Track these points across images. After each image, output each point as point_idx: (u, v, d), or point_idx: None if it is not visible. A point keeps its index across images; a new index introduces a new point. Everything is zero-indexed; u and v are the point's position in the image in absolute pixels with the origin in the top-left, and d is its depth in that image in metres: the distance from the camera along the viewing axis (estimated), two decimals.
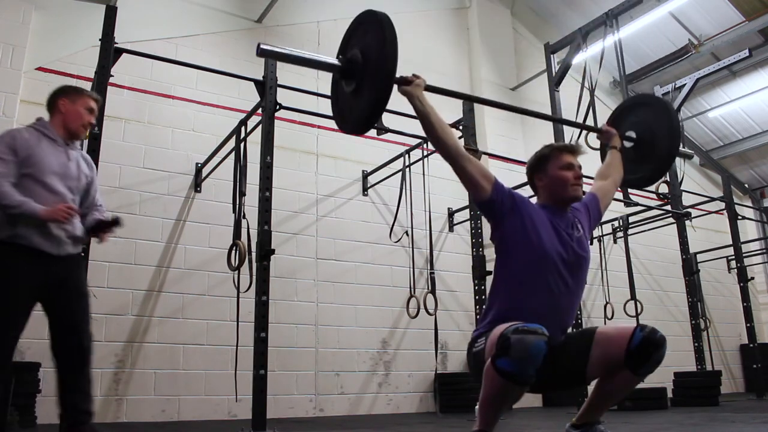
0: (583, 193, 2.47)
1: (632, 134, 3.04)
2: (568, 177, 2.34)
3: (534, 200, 2.45)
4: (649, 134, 3.00)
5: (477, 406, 2.09)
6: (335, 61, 2.34)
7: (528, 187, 2.60)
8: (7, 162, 2.66)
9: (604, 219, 7.15)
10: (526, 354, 1.87)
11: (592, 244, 6.95)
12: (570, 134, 5.35)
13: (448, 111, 6.72)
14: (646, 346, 2.09)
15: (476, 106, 5.54)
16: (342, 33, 2.43)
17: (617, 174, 2.74)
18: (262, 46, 2.24)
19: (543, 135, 5.56)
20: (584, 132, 4.95)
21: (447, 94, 2.69)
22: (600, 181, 2.69)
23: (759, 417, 4.15)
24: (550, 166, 2.38)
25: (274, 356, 4.40)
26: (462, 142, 5.33)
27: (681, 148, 3.12)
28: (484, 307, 2.34)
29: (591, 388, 2.34)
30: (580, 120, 4.83)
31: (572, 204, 2.41)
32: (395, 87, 2.25)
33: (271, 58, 2.56)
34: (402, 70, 2.25)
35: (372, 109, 2.26)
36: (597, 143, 4.93)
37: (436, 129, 2.26)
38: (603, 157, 3.00)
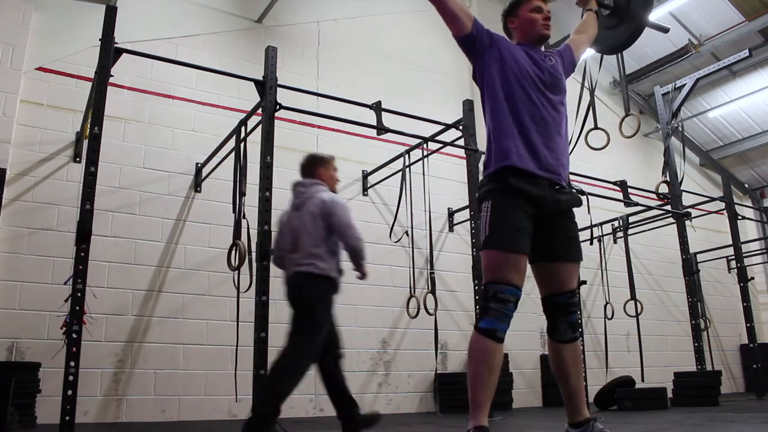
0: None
1: (610, 2, 3.26)
2: (537, 18, 2.54)
3: None
4: (624, 1, 3.26)
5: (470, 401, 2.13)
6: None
7: None
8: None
9: (603, 219, 7.19)
10: (501, 315, 2.15)
11: (591, 244, 6.99)
12: (570, 134, 5.34)
13: (448, 110, 6.75)
14: (559, 308, 2.31)
15: (476, 105, 5.54)
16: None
17: (591, 30, 2.93)
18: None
19: None
20: (584, 132, 4.96)
21: None
22: (575, 35, 2.87)
23: (759, 417, 4.15)
24: (521, 10, 2.59)
25: (274, 356, 4.40)
26: (462, 141, 5.34)
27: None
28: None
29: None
30: (580, 121, 4.83)
31: (543, 43, 2.60)
32: None
33: None
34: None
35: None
36: (597, 143, 4.95)
37: None
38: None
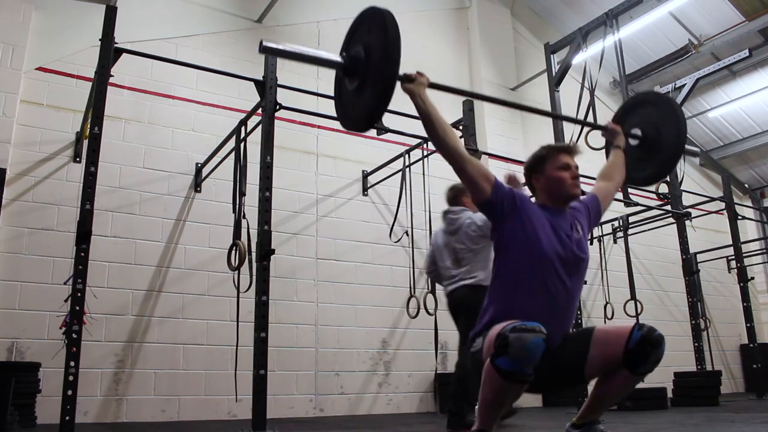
0: (583, 193, 2.47)
1: (638, 132, 3.00)
2: (566, 177, 2.33)
3: (533, 199, 2.45)
4: (654, 132, 2.96)
5: (477, 407, 2.09)
6: (338, 58, 2.31)
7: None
8: None
9: (604, 219, 7.16)
10: (525, 352, 1.87)
11: (591, 244, 6.98)
12: (570, 134, 5.35)
13: (448, 111, 6.72)
14: (644, 345, 2.07)
15: (476, 105, 5.54)
16: (342, 33, 2.43)
17: (620, 175, 2.71)
18: (264, 43, 2.22)
19: (543, 135, 5.55)
20: (584, 132, 4.95)
21: (450, 90, 2.69)
22: (602, 182, 2.67)
23: (759, 417, 4.15)
24: (547, 167, 2.37)
25: (274, 356, 4.40)
26: (462, 141, 5.33)
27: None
28: (482, 307, 2.32)
29: (590, 387, 2.34)
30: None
31: (572, 203, 2.40)
32: (398, 84, 2.23)
33: (272, 55, 2.55)
34: (402, 70, 2.25)
35: (375, 107, 2.22)
36: (597, 143, 4.95)
37: (437, 129, 2.25)
38: (608, 156, 2.98)
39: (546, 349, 1.90)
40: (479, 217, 3.85)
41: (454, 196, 4.21)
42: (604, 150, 4.78)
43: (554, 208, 2.35)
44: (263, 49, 2.23)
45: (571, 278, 2.24)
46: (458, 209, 4.10)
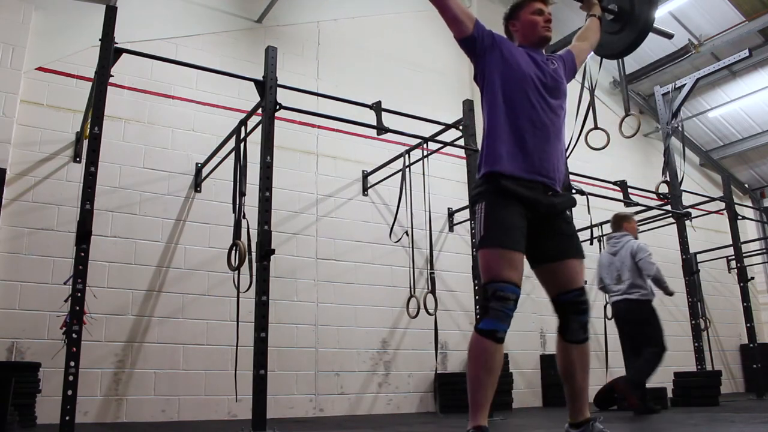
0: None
1: (614, 7, 3.25)
2: (539, 20, 2.55)
3: None
4: (628, 4, 3.25)
5: (468, 395, 2.15)
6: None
7: None
8: None
9: (603, 219, 7.17)
10: (502, 314, 2.15)
11: (591, 244, 6.98)
12: (570, 133, 5.34)
13: (448, 110, 6.75)
14: (570, 305, 2.30)
15: (476, 105, 5.54)
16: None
17: (594, 37, 2.93)
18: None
19: None
20: (584, 132, 4.95)
21: None
22: (577, 42, 2.88)
23: (759, 417, 4.15)
24: (522, 13, 2.59)
25: (274, 356, 4.41)
26: (462, 141, 5.33)
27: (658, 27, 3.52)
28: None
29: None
30: (580, 121, 4.83)
31: (544, 45, 2.60)
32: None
33: None
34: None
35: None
36: (597, 143, 4.95)
37: None
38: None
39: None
40: (636, 243, 4.98)
41: (616, 223, 5.20)
42: (603, 150, 4.80)
43: (530, 48, 2.56)
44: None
45: (552, 98, 2.44)
46: (620, 234, 5.11)
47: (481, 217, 2.29)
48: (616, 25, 3.27)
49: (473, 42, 2.46)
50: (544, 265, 2.37)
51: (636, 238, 5.19)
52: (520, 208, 2.26)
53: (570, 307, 2.31)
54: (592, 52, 3.04)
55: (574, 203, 2.47)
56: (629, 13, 3.23)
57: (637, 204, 6.52)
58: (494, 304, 2.16)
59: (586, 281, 2.44)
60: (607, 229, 7.85)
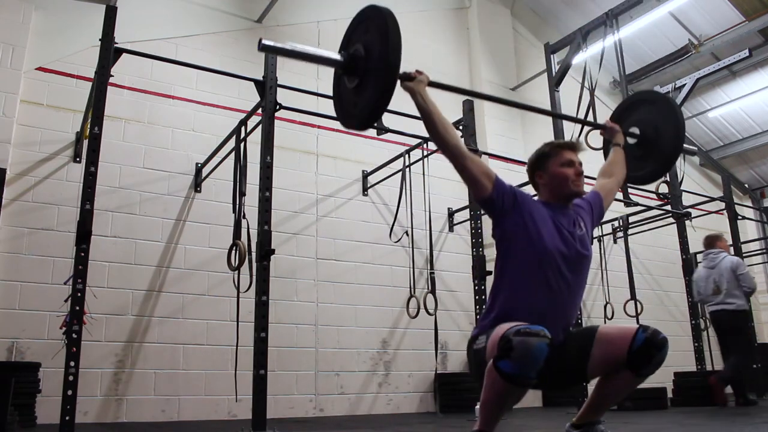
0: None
1: (635, 131, 3.00)
2: (569, 174, 2.32)
3: (536, 197, 2.44)
4: (652, 131, 2.97)
5: (477, 406, 2.08)
6: (337, 56, 2.30)
7: (529, 185, 2.60)
8: None
9: (603, 219, 7.17)
10: (528, 356, 1.85)
11: (592, 243, 6.97)
12: (570, 134, 5.34)
13: (448, 110, 6.72)
14: (648, 348, 2.08)
15: (476, 105, 5.54)
16: (342, 33, 2.43)
17: (621, 172, 2.72)
18: (263, 42, 2.22)
19: (542, 135, 5.54)
20: (584, 131, 4.95)
21: (450, 89, 2.70)
22: (603, 179, 2.67)
23: (759, 417, 4.15)
24: (550, 164, 2.36)
25: (274, 356, 4.40)
26: (462, 141, 5.33)
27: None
28: (484, 306, 2.31)
29: (591, 387, 2.34)
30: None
31: (575, 201, 2.39)
32: (398, 83, 2.23)
33: (271, 53, 2.55)
34: (402, 69, 2.25)
35: (375, 106, 2.22)
36: (597, 143, 4.95)
37: (437, 127, 2.24)
38: (606, 155, 2.98)
39: (549, 351, 1.89)
40: (735, 259, 5.67)
41: (710, 243, 5.83)
42: (602, 149, 4.79)
43: (557, 205, 2.33)
44: (262, 47, 2.23)
45: (573, 275, 2.23)
46: (716, 251, 5.71)
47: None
48: (638, 150, 3.00)
49: (492, 203, 2.24)
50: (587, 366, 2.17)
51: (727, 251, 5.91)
52: None
53: (645, 348, 2.09)
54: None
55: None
56: (653, 143, 2.96)
57: (637, 204, 6.51)
58: None
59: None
60: (607, 228, 7.90)
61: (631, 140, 2.99)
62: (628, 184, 3.30)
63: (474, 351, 2.17)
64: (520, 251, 2.20)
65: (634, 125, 3.04)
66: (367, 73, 2.25)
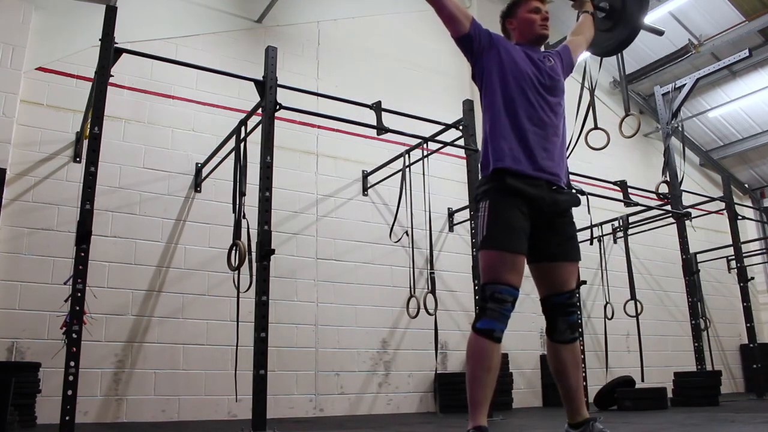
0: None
1: (605, 5, 3.27)
2: (536, 18, 2.55)
3: None
4: (619, 4, 3.26)
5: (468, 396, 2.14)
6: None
7: None
8: None
9: (604, 219, 7.19)
10: (499, 315, 2.16)
11: (591, 243, 6.99)
12: (570, 134, 5.34)
13: (448, 110, 6.75)
14: (559, 308, 2.31)
15: (476, 105, 5.54)
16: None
17: (588, 32, 2.95)
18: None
19: None
20: (584, 132, 4.96)
21: None
22: (572, 36, 2.89)
23: (759, 417, 4.15)
24: (519, 11, 2.60)
25: (274, 356, 4.41)
26: (462, 141, 5.33)
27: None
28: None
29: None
30: (580, 121, 4.83)
31: (542, 43, 2.61)
32: None
33: None
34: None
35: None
36: (597, 143, 4.95)
37: None
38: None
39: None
40: None
41: None
42: (603, 150, 4.80)
43: (527, 45, 2.56)
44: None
45: (551, 96, 2.46)
46: None
47: (484, 216, 2.29)
48: (607, 22, 3.31)
49: (470, 41, 2.46)
50: (540, 264, 2.37)
51: None
52: (523, 207, 2.26)
53: (558, 309, 2.32)
54: (587, 51, 3.06)
55: (578, 202, 2.46)
56: (620, 11, 3.25)
57: (637, 204, 6.52)
58: (492, 305, 2.17)
59: (585, 281, 2.45)
60: (607, 228, 7.89)
61: (600, 14, 3.27)
62: (593, 53, 3.56)
63: (476, 198, 2.44)
64: (500, 80, 2.41)
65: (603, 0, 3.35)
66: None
